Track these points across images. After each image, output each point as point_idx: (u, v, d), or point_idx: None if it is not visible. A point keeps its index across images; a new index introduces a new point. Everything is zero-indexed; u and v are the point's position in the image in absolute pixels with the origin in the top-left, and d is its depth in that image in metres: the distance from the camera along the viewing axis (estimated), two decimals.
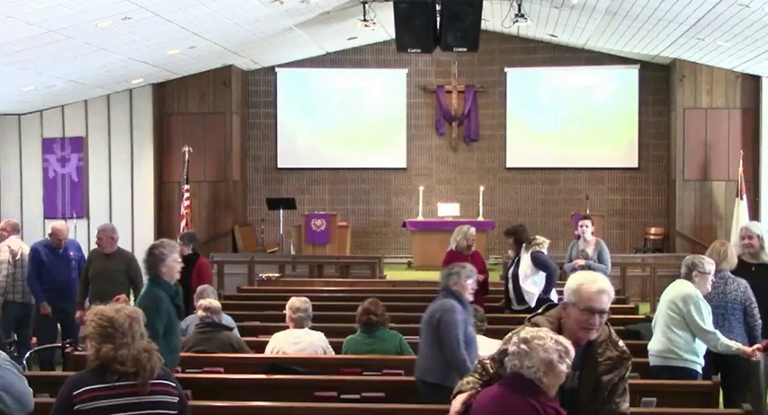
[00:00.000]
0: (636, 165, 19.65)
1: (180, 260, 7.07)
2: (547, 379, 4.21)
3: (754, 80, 18.09)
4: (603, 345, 4.51)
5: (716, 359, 7.25)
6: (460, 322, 6.64)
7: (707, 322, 7.01)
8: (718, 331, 7.04)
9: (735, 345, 7.07)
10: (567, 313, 4.44)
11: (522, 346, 4.25)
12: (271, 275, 14.73)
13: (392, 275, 16.75)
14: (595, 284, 4.38)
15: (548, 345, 4.23)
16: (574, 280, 4.44)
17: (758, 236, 8.24)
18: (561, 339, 4.27)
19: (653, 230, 19.03)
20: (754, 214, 17.43)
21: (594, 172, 19.71)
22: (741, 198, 17.08)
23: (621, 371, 4.51)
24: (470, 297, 7.09)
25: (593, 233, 11.36)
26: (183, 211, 17.57)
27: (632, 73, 19.54)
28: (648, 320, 9.86)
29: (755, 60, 16.25)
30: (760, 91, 18.15)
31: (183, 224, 17.35)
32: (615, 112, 19.71)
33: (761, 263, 8.15)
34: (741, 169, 17.30)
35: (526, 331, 4.33)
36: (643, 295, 15.09)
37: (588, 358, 4.49)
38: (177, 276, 7.04)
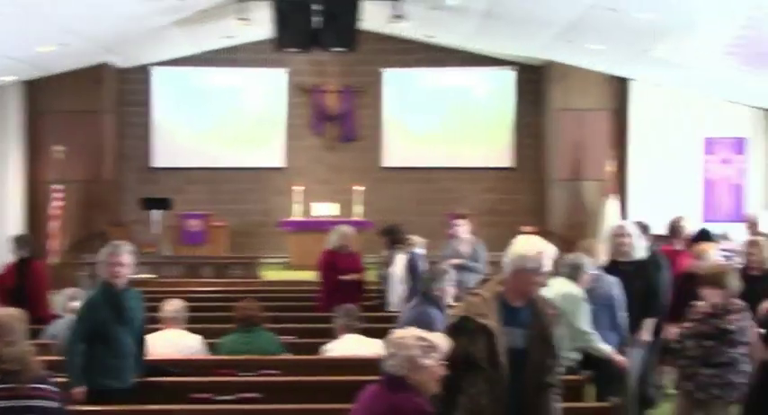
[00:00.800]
0: (510, 165, 20.02)
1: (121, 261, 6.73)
2: (415, 375, 4.30)
3: (623, 82, 18.61)
4: (540, 302, 4.89)
5: (588, 353, 7.39)
6: None
7: (587, 322, 7.14)
8: (595, 333, 7.18)
9: (606, 349, 7.21)
10: (514, 277, 4.85)
11: (389, 347, 4.39)
12: (145, 276, 14.50)
13: (270, 275, 16.68)
14: (535, 247, 4.98)
15: (408, 342, 4.36)
16: (517, 248, 5.01)
17: (631, 235, 8.46)
18: (427, 335, 4.41)
19: (526, 229, 19.31)
20: (622, 212, 17.92)
21: (470, 171, 19.98)
22: (610, 198, 17.55)
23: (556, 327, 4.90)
24: (450, 301, 7.03)
25: (471, 233, 11.47)
26: (53, 212, 17.12)
27: (507, 74, 19.88)
28: None
29: (625, 63, 16.72)
30: (627, 93, 18.70)
31: (53, 225, 16.92)
32: (490, 113, 20.03)
33: (632, 261, 8.36)
34: (610, 169, 17.78)
35: (393, 333, 4.56)
36: None
37: (534, 315, 4.79)
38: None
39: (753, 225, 10.27)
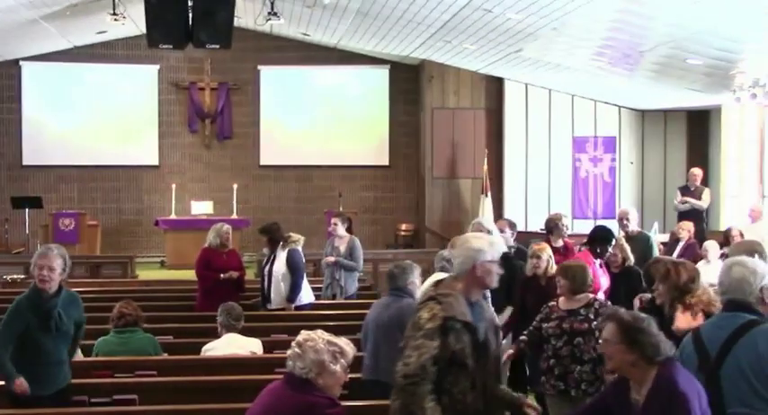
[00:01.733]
0: (387, 163, 20.17)
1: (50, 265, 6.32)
2: (322, 379, 4.35)
3: (498, 82, 18.95)
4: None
5: None
6: None
7: None
8: None
9: None
10: (475, 271, 4.71)
11: (297, 349, 4.39)
12: (16, 276, 14.11)
13: (145, 274, 16.44)
14: (486, 239, 5.02)
15: (319, 346, 4.37)
16: (478, 242, 4.84)
17: (488, 231, 8.62)
18: (336, 339, 4.44)
19: (404, 226, 19.54)
20: (498, 210, 18.24)
21: (347, 169, 20.05)
22: (486, 195, 17.85)
23: None
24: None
25: (350, 231, 11.52)
26: None
27: (383, 73, 20.02)
28: None
29: (498, 63, 17.02)
30: (503, 92, 19.05)
31: None
32: (367, 111, 20.14)
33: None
34: (486, 167, 18.09)
35: (301, 334, 4.50)
36: None
37: (483, 308, 4.84)
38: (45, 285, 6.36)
39: (624, 222, 10.54)
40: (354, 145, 20.08)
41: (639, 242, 9.96)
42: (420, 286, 6.94)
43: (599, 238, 8.74)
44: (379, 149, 20.17)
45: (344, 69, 20.02)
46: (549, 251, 8.06)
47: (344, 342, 4.53)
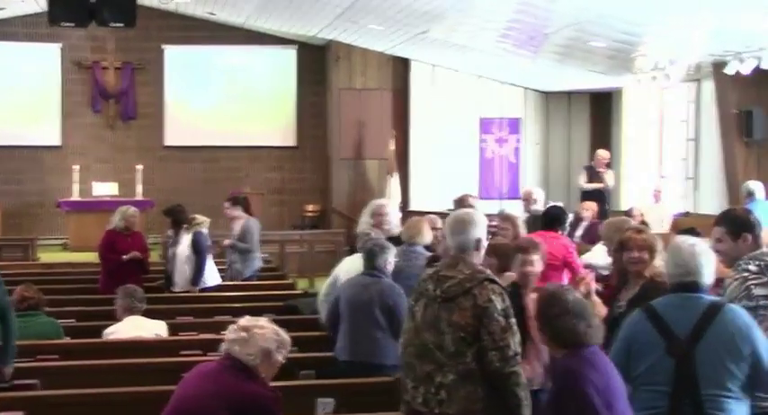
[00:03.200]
0: (294, 144, 20.07)
1: None
2: (264, 369, 4.35)
3: (404, 62, 19.03)
4: None
5: None
6: None
7: None
8: None
9: None
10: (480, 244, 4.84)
11: (243, 333, 4.36)
12: None
13: (47, 257, 16.12)
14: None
15: (268, 335, 4.36)
16: (480, 217, 4.95)
17: (389, 213, 8.70)
18: (281, 332, 4.44)
19: (310, 207, 19.50)
20: (404, 190, 18.34)
21: (254, 150, 19.90)
22: (392, 176, 17.92)
23: None
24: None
25: (249, 212, 11.33)
26: None
27: (290, 53, 19.89)
28: (307, 295, 10.15)
29: (405, 44, 17.07)
30: (409, 73, 19.14)
31: None
32: (274, 92, 20.00)
33: (391, 236, 8.66)
34: (392, 148, 18.15)
35: (245, 320, 4.51)
36: (301, 271, 15.44)
37: None
38: None
39: (528, 201, 10.68)
40: (261, 125, 19.93)
41: None
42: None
43: (554, 218, 8.84)
44: (286, 130, 20.06)
45: (251, 49, 19.83)
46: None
47: (285, 334, 4.54)
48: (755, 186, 12.17)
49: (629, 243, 5.41)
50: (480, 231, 4.87)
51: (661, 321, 4.28)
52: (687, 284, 4.34)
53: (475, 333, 4.55)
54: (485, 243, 5.00)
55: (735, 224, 4.80)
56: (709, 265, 4.37)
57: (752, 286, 4.53)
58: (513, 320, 4.59)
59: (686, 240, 4.53)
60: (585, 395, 3.96)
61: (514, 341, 4.55)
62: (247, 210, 11.36)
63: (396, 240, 8.29)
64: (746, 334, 4.21)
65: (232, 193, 15.40)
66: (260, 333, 4.39)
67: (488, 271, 4.79)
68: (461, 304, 4.61)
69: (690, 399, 4.17)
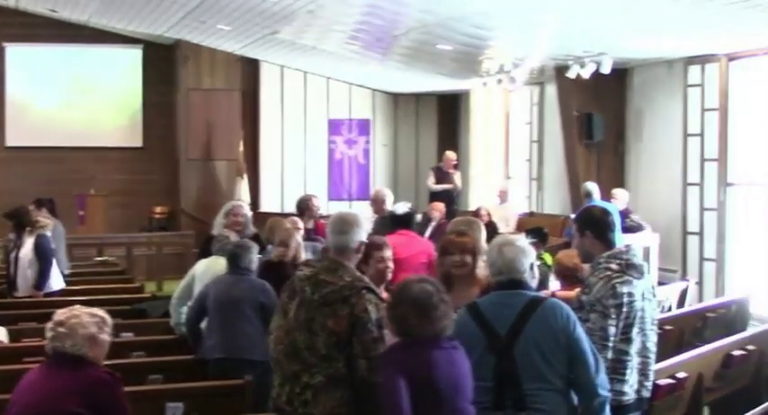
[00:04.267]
0: (141, 145, 19.67)
1: None
2: (93, 352, 4.37)
3: (253, 63, 18.92)
4: None
5: None
6: None
7: None
8: None
9: None
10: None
11: (61, 329, 4.36)
12: None
13: None
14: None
15: (85, 320, 4.37)
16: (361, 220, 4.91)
17: (245, 214, 8.74)
18: (96, 311, 4.44)
19: (158, 209, 19.16)
20: (254, 192, 18.24)
21: (100, 151, 19.38)
22: (242, 177, 17.80)
23: None
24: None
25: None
26: None
27: (137, 52, 19.46)
28: (155, 298, 10.00)
29: (254, 45, 16.98)
30: (258, 74, 19.05)
31: None
32: (120, 92, 19.55)
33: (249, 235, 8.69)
34: (241, 149, 18.03)
35: (58, 315, 4.47)
36: (149, 274, 15.19)
37: None
38: None
39: (377, 202, 10.74)
40: (107, 126, 19.45)
41: None
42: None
43: (406, 218, 8.96)
44: (133, 131, 19.64)
45: (97, 48, 19.33)
46: (297, 238, 7.79)
47: (102, 311, 4.54)
48: (592, 187, 12.64)
49: (450, 247, 5.43)
50: (363, 234, 4.87)
51: (483, 318, 4.37)
52: (509, 281, 4.45)
53: (348, 340, 4.56)
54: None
55: (581, 221, 4.96)
56: (526, 262, 4.50)
57: (616, 285, 4.67)
58: (386, 331, 4.59)
59: (502, 239, 4.67)
60: (391, 382, 4.04)
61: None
62: (53, 213, 11.15)
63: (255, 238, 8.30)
64: (564, 328, 4.33)
65: (82, 195, 15.04)
66: (77, 322, 4.42)
67: (367, 279, 4.78)
68: (338, 311, 4.60)
69: (512, 393, 4.27)
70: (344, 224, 4.84)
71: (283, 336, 4.76)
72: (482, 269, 5.30)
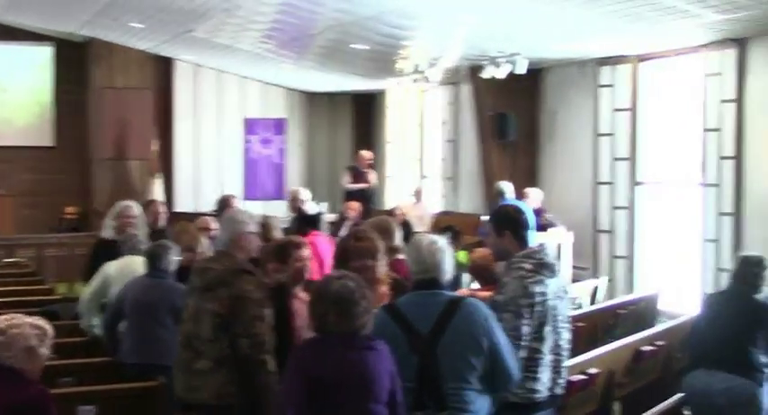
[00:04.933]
0: (52, 144, 19.31)
1: None
2: (30, 364, 4.24)
3: (167, 62, 18.72)
4: None
5: None
6: None
7: None
8: None
9: None
10: (245, 239, 5.25)
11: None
12: None
13: None
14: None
15: (26, 332, 4.24)
16: (241, 215, 5.45)
17: (136, 215, 8.65)
18: (37, 321, 4.36)
19: (70, 209, 18.83)
20: (168, 191, 18.05)
21: (10, 150, 18.95)
22: (156, 177, 17.59)
23: None
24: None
25: None
26: None
27: (47, 50, 19.12)
28: (67, 299, 9.84)
29: (168, 43, 16.78)
30: (172, 72, 18.85)
31: None
32: (30, 90, 19.15)
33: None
34: (155, 148, 17.81)
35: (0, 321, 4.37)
36: (60, 275, 14.91)
37: None
38: None
39: (294, 201, 10.74)
40: (17, 125, 19.04)
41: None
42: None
43: (313, 219, 8.98)
44: (43, 130, 19.24)
45: (6, 46, 18.92)
46: (204, 241, 7.68)
47: (44, 322, 4.41)
48: (505, 186, 12.78)
49: (348, 253, 5.44)
50: (254, 227, 5.29)
51: (403, 319, 4.37)
52: (427, 281, 4.48)
53: (230, 321, 4.87)
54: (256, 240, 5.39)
55: (499, 220, 5.00)
56: (448, 262, 4.55)
57: (529, 285, 4.69)
58: (268, 311, 4.91)
59: (425, 238, 4.68)
60: (288, 383, 4.09)
61: (266, 330, 4.87)
62: None
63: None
64: (484, 328, 4.38)
65: None
66: (18, 332, 4.24)
67: (247, 264, 5.10)
68: (220, 294, 4.93)
69: (433, 393, 4.29)
70: (235, 221, 5.29)
71: (181, 329, 5.12)
72: (382, 269, 5.42)
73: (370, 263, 5.35)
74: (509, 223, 4.94)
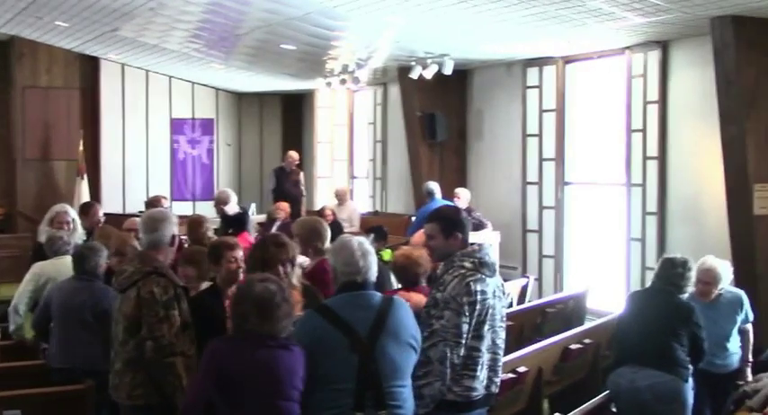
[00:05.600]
0: None
1: None
2: None
3: (93, 61, 18.45)
4: None
5: None
6: None
7: None
8: None
9: None
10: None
11: None
12: None
13: None
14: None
15: None
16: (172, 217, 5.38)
17: (74, 219, 8.64)
18: None
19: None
20: (95, 192, 17.79)
21: None
22: (82, 178, 17.33)
23: None
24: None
25: None
26: None
27: None
28: None
29: (94, 42, 16.55)
30: (98, 72, 18.59)
31: None
32: None
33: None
34: (81, 148, 17.55)
35: None
36: None
37: None
38: None
39: (221, 203, 10.66)
40: None
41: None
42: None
43: (239, 219, 8.94)
44: None
45: None
46: (134, 244, 7.63)
47: None
48: (434, 186, 12.88)
49: (271, 261, 5.34)
50: (174, 228, 5.24)
51: (340, 320, 4.36)
52: (360, 283, 4.50)
53: (138, 323, 4.93)
54: (177, 241, 5.39)
55: (447, 222, 5.03)
56: (375, 263, 4.60)
57: (470, 283, 4.76)
58: (174, 312, 4.93)
59: (355, 240, 4.69)
60: (196, 380, 4.20)
61: (170, 332, 4.87)
62: None
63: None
64: (414, 326, 4.53)
65: None
66: None
67: (159, 265, 5.08)
68: (129, 295, 4.99)
69: (372, 393, 4.31)
70: (155, 221, 5.25)
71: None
72: (296, 275, 5.49)
73: (285, 270, 5.34)
74: (457, 225, 5.00)
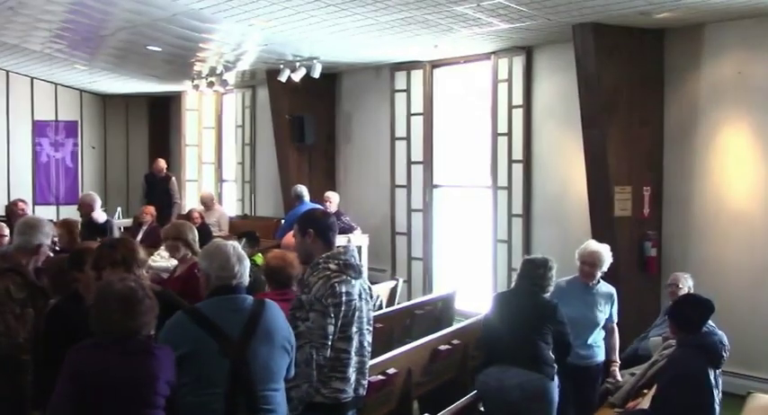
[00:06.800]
0: None
1: None
2: None
3: None
4: None
5: None
6: None
7: None
8: None
9: None
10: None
11: None
12: None
13: None
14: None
15: None
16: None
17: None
18: None
19: None
20: None
21: None
22: None
23: None
24: None
25: None
26: None
27: None
28: None
29: None
30: None
31: None
32: None
33: None
34: None
35: None
36: None
37: None
38: None
39: (85, 207, 10.43)
40: None
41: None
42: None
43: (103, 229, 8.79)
44: None
45: None
46: None
47: None
48: (302, 189, 12.89)
49: (100, 261, 5.14)
50: (44, 237, 5.36)
51: (210, 323, 4.31)
52: (233, 286, 4.47)
53: None
54: (45, 249, 5.45)
55: (302, 221, 5.05)
56: (248, 268, 4.58)
57: (335, 284, 4.76)
58: (30, 311, 5.05)
59: (228, 244, 4.65)
60: (58, 387, 4.02)
61: (24, 330, 5.01)
62: None
63: None
64: (288, 328, 4.54)
65: None
66: None
67: (18, 265, 5.19)
68: None
69: (245, 397, 4.28)
70: (28, 227, 5.38)
71: None
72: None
73: (129, 274, 5.20)
74: (312, 222, 5.01)
